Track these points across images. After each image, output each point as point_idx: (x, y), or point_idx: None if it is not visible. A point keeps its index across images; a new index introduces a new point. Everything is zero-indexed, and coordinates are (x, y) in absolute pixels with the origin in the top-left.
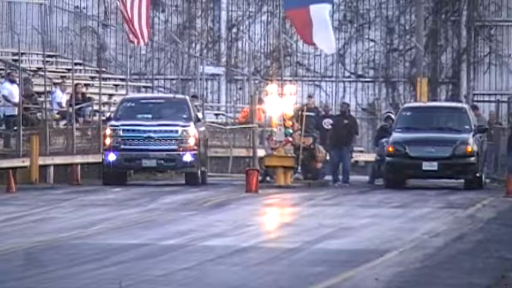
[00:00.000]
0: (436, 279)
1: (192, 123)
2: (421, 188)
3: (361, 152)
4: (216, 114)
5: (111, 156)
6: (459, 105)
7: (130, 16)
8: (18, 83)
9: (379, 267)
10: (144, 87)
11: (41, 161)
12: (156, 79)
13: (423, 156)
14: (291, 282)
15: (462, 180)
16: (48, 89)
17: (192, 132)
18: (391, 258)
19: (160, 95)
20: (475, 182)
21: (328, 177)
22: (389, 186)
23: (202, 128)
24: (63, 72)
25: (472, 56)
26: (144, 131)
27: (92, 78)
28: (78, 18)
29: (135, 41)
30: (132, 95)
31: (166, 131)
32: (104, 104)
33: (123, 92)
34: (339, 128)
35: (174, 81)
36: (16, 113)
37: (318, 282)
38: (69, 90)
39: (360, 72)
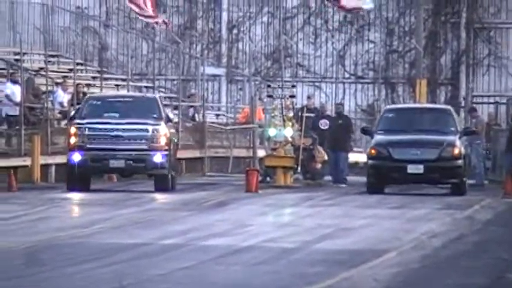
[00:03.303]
0: (434, 279)
1: (162, 123)
2: (418, 190)
3: (360, 152)
4: (217, 115)
5: (76, 157)
6: (443, 106)
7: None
8: (20, 83)
9: (377, 268)
10: (145, 87)
11: (42, 160)
12: (157, 79)
13: (408, 158)
14: (290, 281)
15: (448, 186)
16: (50, 88)
17: (163, 132)
18: (389, 258)
19: (129, 93)
20: (462, 186)
21: (328, 178)
22: (371, 191)
23: (173, 130)
24: (65, 72)
25: (471, 58)
26: (112, 130)
27: (94, 78)
28: (79, 18)
29: (153, 22)
30: (98, 93)
31: (135, 130)
32: None
33: (125, 92)
34: (334, 129)
35: (175, 82)
36: (18, 113)
37: (316, 282)
38: (71, 90)
39: (359, 74)
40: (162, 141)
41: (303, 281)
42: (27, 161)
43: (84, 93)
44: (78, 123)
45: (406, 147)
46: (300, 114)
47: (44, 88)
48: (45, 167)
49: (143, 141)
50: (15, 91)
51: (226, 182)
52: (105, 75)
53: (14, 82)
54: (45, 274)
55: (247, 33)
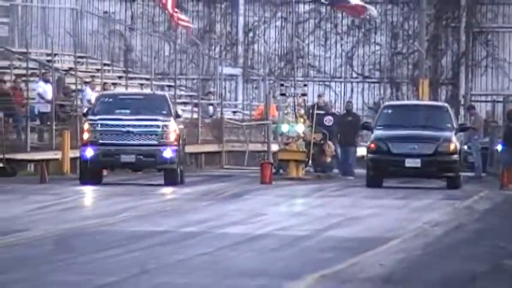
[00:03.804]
0: (436, 265)
1: (172, 119)
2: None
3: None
4: (234, 112)
5: (89, 152)
6: (440, 104)
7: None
8: (51, 82)
9: (383, 254)
10: (167, 86)
11: (72, 153)
12: (178, 79)
13: (406, 152)
14: (302, 267)
15: (444, 180)
16: (79, 87)
17: (173, 128)
18: (394, 245)
19: (139, 91)
20: (457, 180)
21: (337, 171)
22: (371, 185)
23: (181, 126)
24: (93, 72)
25: (470, 60)
26: (123, 126)
27: (119, 77)
28: (106, 22)
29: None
30: (110, 91)
31: (146, 126)
32: None
33: (148, 90)
34: (344, 125)
35: (195, 81)
36: (49, 110)
37: (326, 267)
38: (98, 88)
39: (366, 74)
40: (172, 137)
41: (313, 267)
42: (58, 155)
43: None
44: (91, 120)
45: (404, 142)
46: (311, 111)
47: (73, 87)
48: (74, 160)
49: (153, 136)
50: (47, 89)
51: (242, 174)
52: (130, 75)
53: (46, 81)
54: (73, 259)
55: (262, 36)
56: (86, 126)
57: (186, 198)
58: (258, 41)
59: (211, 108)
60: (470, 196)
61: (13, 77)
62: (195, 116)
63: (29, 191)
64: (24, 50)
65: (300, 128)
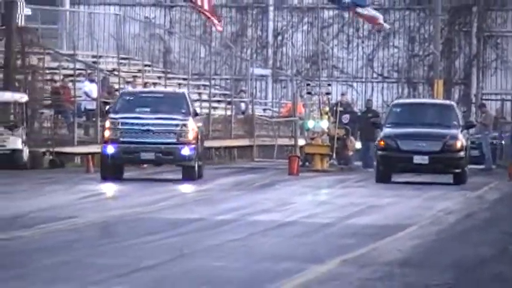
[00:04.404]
0: (449, 250)
1: (190, 118)
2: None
3: None
4: (264, 109)
5: (110, 149)
6: (447, 102)
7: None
8: (96, 81)
9: (401, 240)
10: (203, 85)
11: None
12: (213, 79)
13: (414, 149)
14: (325, 252)
15: (450, 177)
16: (121, 86)
17: (191, 126)
18: (411, 232)
19: (159, 89)
20: (463, 176)
21: (358, 164)
22: (380, 180)
23: (200, 123)
24: (135, 72)
25: (481, 62)
26: (143, 124)
27: (159, 77)
28: (147, 26)
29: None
30: (131, 89)
31: (165, 125)
32: None
33: (185, 89)
34: (364, 122)
35: (228, 81)
36: (94, 107)
37: (348, 252)
38: (140, 87)
39: (385, 74)
40: (190, 135)
41: (337, 252)
42: None
43: None
44: (112, 118)
45: (413, 139)
46: (334, 108)
47: (116, 86)
48: None
49: (172, 135)
50: (92, 88)
51: (272, 167)
52: (169, 75)
53: (91, 81)
54: (116, 244)
55: (290, 39)
56: (108, 124)
57: (219, 188)
58: (286, 44)
59: (243, 105)
60: (480, 187)
61: (61, 77)
62: (228, 112)
63: (75, 181)
64: (72, 52)
65: (325, 124)
